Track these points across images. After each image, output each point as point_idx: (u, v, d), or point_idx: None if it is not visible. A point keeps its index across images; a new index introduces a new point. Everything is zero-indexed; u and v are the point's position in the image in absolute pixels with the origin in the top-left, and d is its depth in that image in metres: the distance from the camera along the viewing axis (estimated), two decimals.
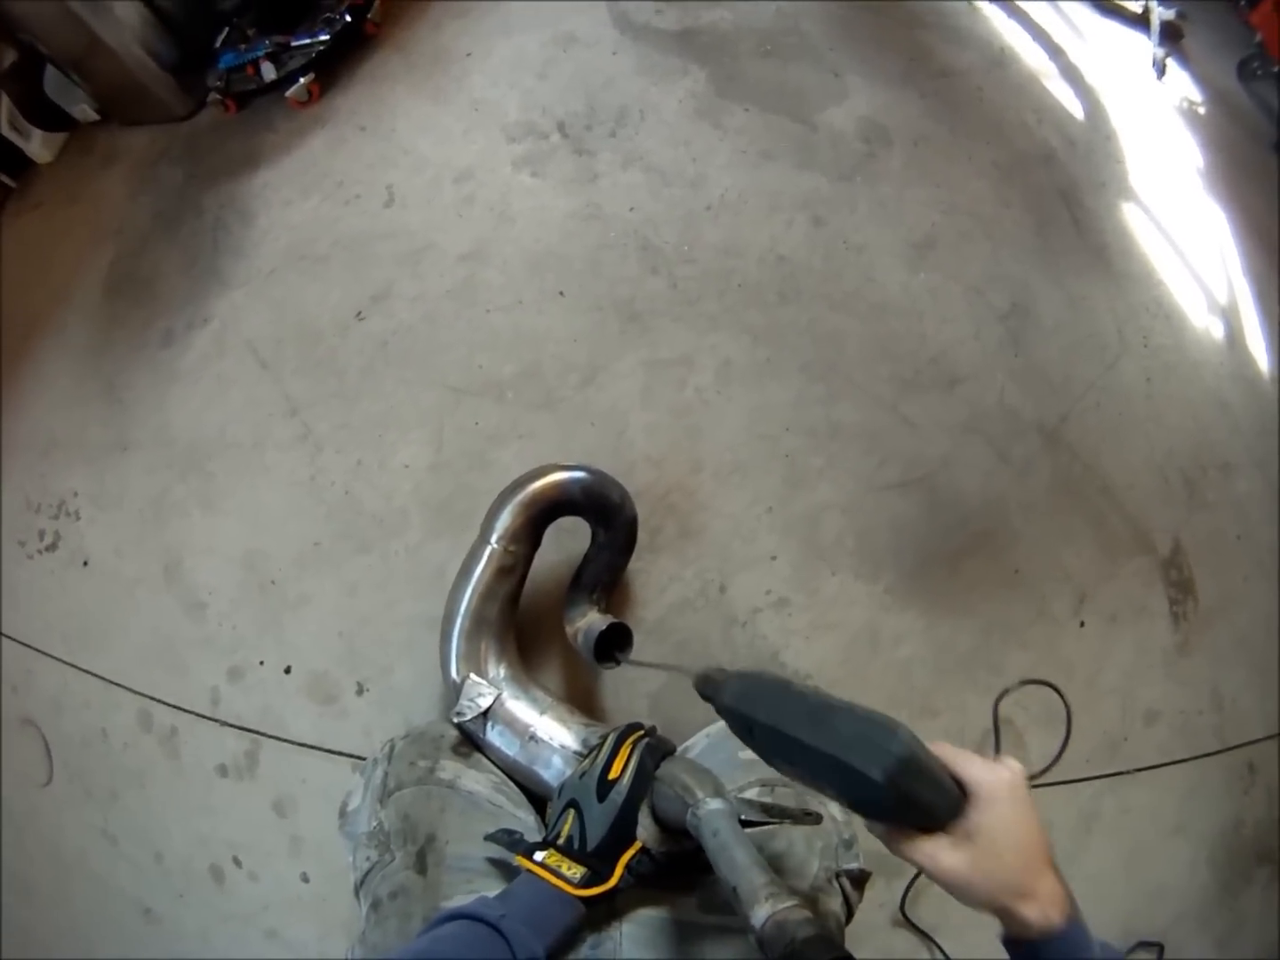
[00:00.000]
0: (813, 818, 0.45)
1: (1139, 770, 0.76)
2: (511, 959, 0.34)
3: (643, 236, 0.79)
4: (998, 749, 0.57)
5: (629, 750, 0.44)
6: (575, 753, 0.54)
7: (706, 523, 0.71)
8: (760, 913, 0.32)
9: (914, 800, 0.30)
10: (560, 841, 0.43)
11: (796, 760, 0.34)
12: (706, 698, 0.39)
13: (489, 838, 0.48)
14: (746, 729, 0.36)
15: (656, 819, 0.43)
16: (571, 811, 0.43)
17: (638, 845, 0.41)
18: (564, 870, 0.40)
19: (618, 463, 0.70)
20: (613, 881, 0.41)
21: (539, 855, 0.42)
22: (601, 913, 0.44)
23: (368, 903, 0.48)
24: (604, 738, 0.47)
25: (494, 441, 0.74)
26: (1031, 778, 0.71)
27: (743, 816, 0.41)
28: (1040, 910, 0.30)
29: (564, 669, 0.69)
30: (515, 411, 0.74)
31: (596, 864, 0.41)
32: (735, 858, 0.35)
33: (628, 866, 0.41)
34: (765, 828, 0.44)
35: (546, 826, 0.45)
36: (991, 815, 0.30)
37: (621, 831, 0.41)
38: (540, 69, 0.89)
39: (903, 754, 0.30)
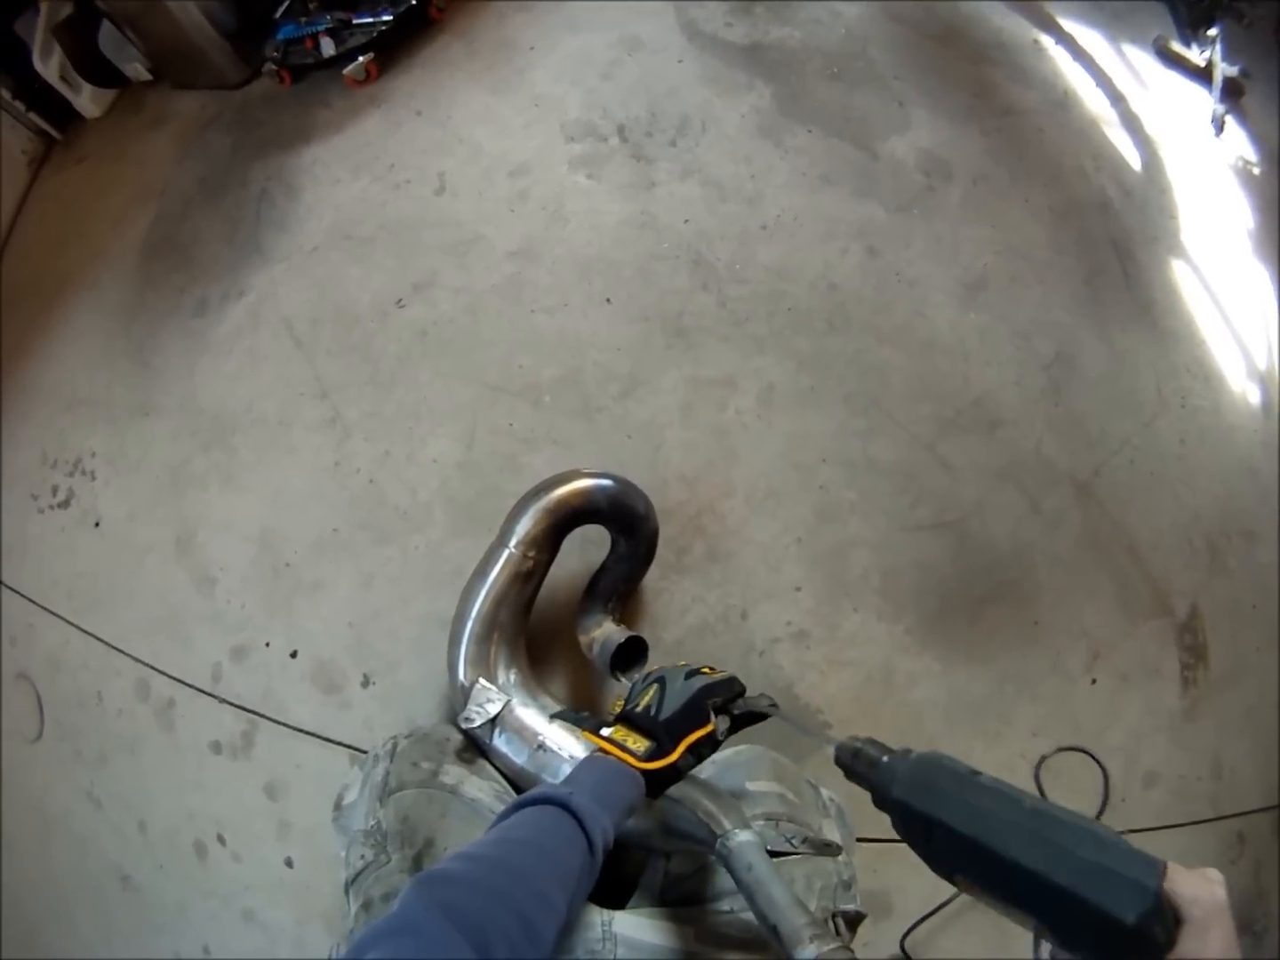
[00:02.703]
0: (832, 849, 0.46)
1: (1133, 831, 0.76)
2: (583, 835, 0.34)
3: (695, 250, 0.78)
4: None
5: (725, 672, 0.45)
6: None
7: (735, 548, 0.70)
8: (805, 953, 0.32)
9: (1149, 940, 0.25)
10: (637, 710, 0.43)
11: (995, 882, 0.26)
12: (856, 777, 0.32)
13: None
14: (923, 831, 0.28)
15: (670, 830, 0.43)
16: (655, 686, 0.44)
17: (709, 728, 0.41)
18: (629, 744, 0.41)
19: (652, 478, 0.69)
20: (674, 757, 0.40)
21: (606, 730, 0.43)
22: (598, 933, 0.44)
23: (358, 902, 0.47)
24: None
25: (527, 445, 0.73)
26: None
27: (769, 847, 0.41)
28: None
29: (572, 676, 0.68)
30: (552, 416, 0.73)
31: (663, 735, 0.41)
32: (774, 896, 0.35)
33: (692, 748, 0.41)
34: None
35: (628, 700, 0.45)
36: (1208, 944, 0.26)
37: (696, 709, 0.41)
38: (604, 70, 0.88)
39: (1160, 890, 0.24)
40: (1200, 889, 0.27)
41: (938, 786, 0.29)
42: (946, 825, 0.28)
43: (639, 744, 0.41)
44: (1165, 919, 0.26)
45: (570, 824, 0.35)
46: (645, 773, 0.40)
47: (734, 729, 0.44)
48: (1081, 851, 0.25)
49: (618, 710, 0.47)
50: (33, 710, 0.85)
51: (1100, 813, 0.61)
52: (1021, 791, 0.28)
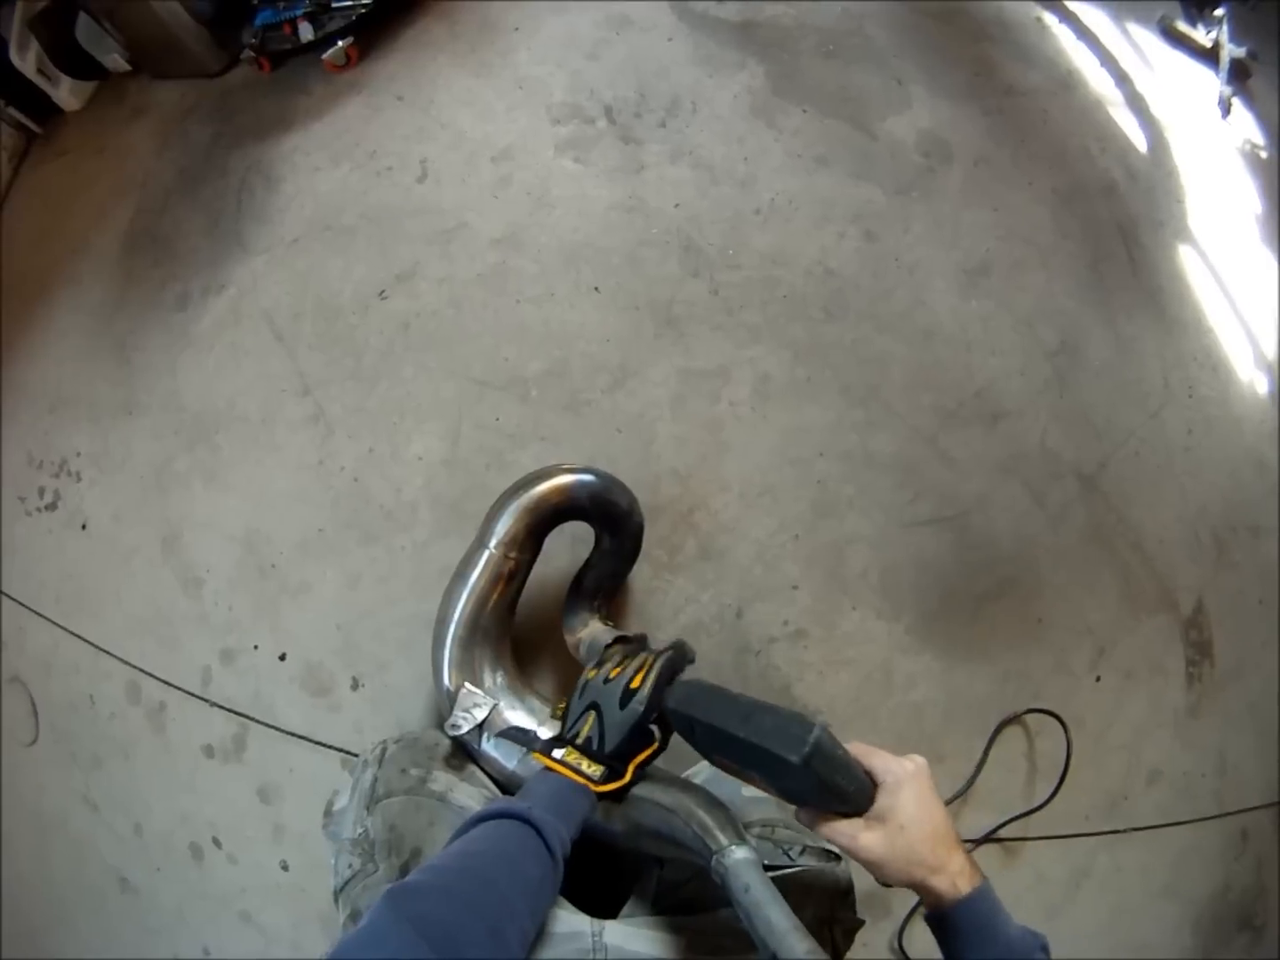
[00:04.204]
0: (831, 858, 0.45)
1: (1136, 830, 0.74)
2: (543, 846, 0.35)
3: (686, 236, 0.75)
4: (978, 769, 0.59)
5: (651, 663, 0.47)
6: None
7: (729, 545, 0.68)
8: None
9: (830, 786, 0.35)
10: (579, 741, 0.45)
11: (730, 752, 0.38)
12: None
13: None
14: (689, 728, 0.41)
15: (663, 839, 0.42)
16: (592, 714, 0.45)
17: (654, 748, 0.44)
18: (584, 768, 0.43)
19: (643, 474, 0.68)
20: (626, 779, 0.43)
21: (558, 753, 0.44)
22: (587, 944, 0.43)
23: (346, 911, 0.47)
24: (624, 652, 0.50)
25: (514, 441, 0.71)
26: (1031, 812, 0.70)
27: (766, 862, 0.40)
28: (950, 881, 0.34)
29: (558, 675, 0.67)
30: (539, 411, 0.71)
31: (614, 764, 0.43)
32: (773, 921, 0.34)
33: (640, 765, 0.44)
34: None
35: (564, 723, 0.47)
36: (899, 799, 0.35)
37: (638, 737, 0.44)
38: (590, 50, 0.85)
39: (818, 741, 0.34)
40: (891, 763, 0.36)
41: (694, 696, 0.41)
42: (698, 720, 0.39)
43: (593, 768, 0.42)
44: (844, 773, 0.35)
45: (531, 835, 0.35)
46: (600, 793, 0.41)
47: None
48: (766, 722, 0.36)
49: (559, 714, 0.48)
50: (28, 714, 0.85)
51: (1064, 773, 0.63)
52: (745, 696, 0.39)
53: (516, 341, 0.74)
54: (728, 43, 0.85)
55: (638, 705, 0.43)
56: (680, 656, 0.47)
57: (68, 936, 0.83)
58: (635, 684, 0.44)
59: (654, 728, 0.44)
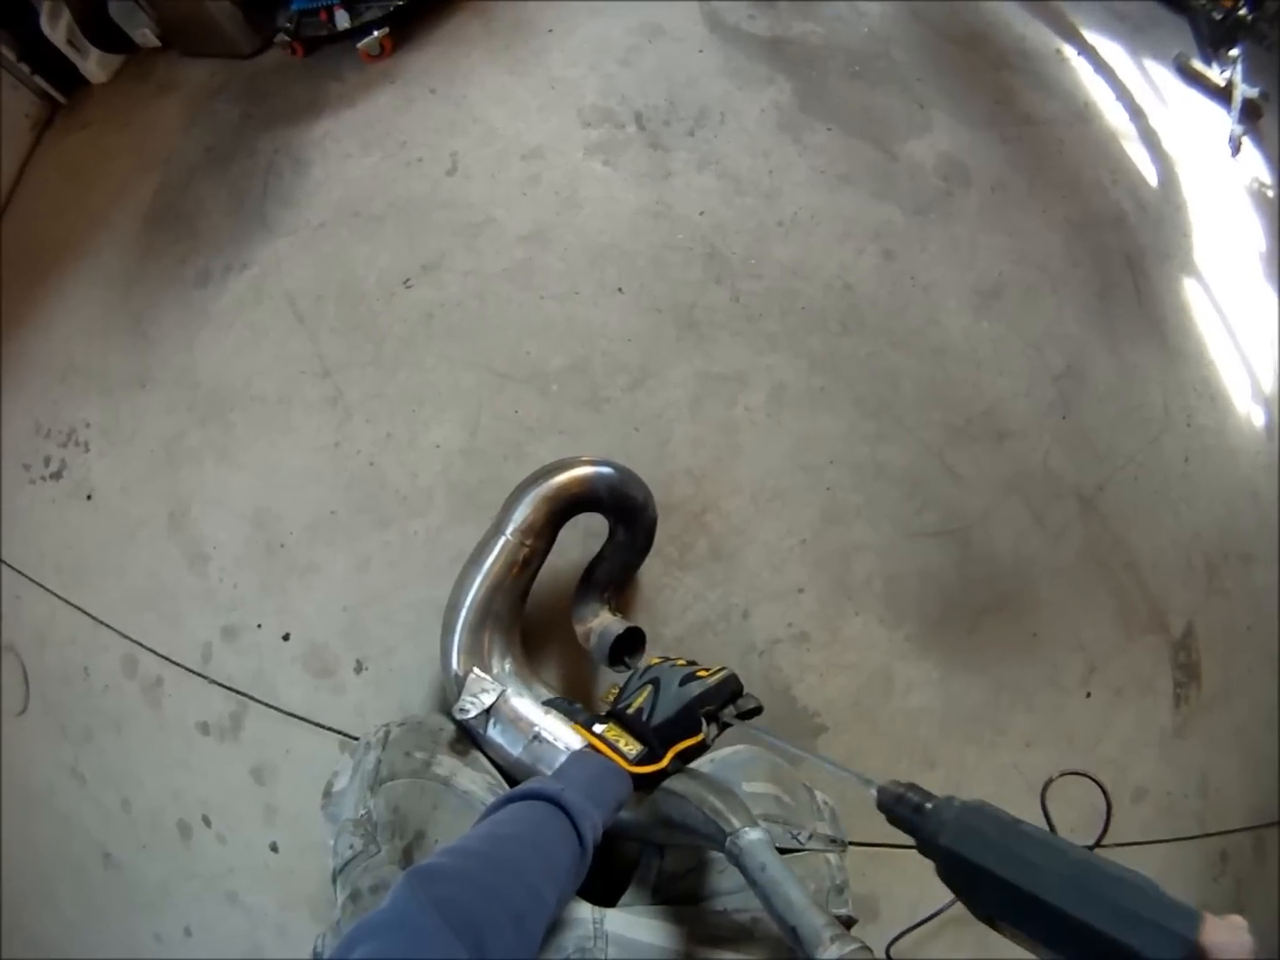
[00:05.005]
0: (838, 844, 0.46)
1: (1119, 845, 0.76)
2: (574, 831, 0.34)
3: (710, 243, 0.77)
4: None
5: (721, 668, 0.46)
6: None
7: (739, 547, 0.70)
8: (827, 954, 0.32)
9: None
10: (630, 711, 0.43)
11: (1040, 929, 0.27)
12: (899, 822, 0.32)
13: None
14: (971, 879, 0.29)
15: (673, 825, 0.43)
16: (650, 688, 0.44)
17: (699, 738, 0.42)
18: (621, 745, 0.41)
19: (658, 473, 0.69)
20: (663, 763, 0.41)
21: (598, 728, 0.43)
22: (589, 930, 0.44)
23: (346, 892, 0.46)
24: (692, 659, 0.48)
25: (532, 434, 0.72)
26: None
27: (777, 845, 0.41)
28: None
29: (566, 665, 0.67)
30: (558, 405, 0.72)
31: (655, 741, 0.41)
32: (790, 897, 0.35)
33: (680, 754, 0.42)
34: None
35: (620, 697, 0.46)
36: None
37: (688, 718, 0.42)
38: (623, 56, 0.86)
39: (1198, 940, 0.25)
40: (1230, 938, 0.28)
41: (985, 835, 0.29)
42: (995, 874, 0.28)
43: (631, 746, 0.41)
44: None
45: (561, 820, 0.35)
46: (634, 775, 0.41)
47: (722, 731, 0.45)
48: (1125, 901, 0.26)
49: (611, 699, 0.47)
50: (19, 683, 0.84)
51: (1100, 838, 0.63)
52: (1063, 841, 0.29)
53: (539, 336, 0.75)
54: (757, 57, 0.87)
55: (697, 686, 0.43)
56: (741, 688, 0.45)
57: (49, 911, 0.82)
58: (702, 674, 0.45)
59: (704, 721, 0.43)
